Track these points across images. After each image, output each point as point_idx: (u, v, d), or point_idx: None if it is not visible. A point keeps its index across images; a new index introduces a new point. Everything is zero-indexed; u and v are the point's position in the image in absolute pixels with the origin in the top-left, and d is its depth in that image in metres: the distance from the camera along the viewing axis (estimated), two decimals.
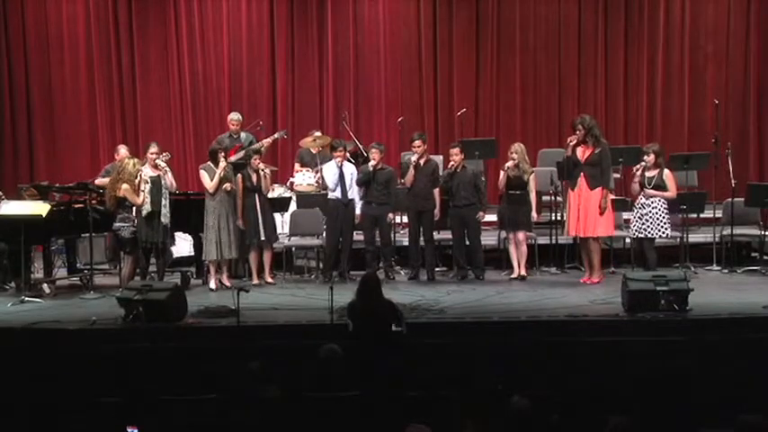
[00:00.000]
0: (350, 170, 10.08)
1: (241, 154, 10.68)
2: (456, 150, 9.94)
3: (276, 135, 11.42)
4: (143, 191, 9.12)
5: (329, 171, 10.04)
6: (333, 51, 13.02)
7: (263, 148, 10.51)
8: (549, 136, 12.81)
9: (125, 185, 9.13)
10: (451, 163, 9.93)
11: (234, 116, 11.16)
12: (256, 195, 9.71)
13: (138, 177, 9.15)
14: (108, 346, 7.64)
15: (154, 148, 9.43)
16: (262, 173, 9.70)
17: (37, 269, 9.87)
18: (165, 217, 9.25)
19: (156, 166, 9.33)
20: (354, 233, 10.21)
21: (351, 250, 10.06)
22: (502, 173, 9.82)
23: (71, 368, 7.13)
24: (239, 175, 9.74)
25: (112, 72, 13.14)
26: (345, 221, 9.89)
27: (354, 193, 10.01)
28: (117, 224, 9.25)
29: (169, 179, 9.40)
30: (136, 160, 9.41)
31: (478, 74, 13.04)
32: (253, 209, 9.69)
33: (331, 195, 9.99)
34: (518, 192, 9.71)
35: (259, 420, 5.44)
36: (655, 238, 9.27)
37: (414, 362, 6.80)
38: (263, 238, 9.67)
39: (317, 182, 10.54)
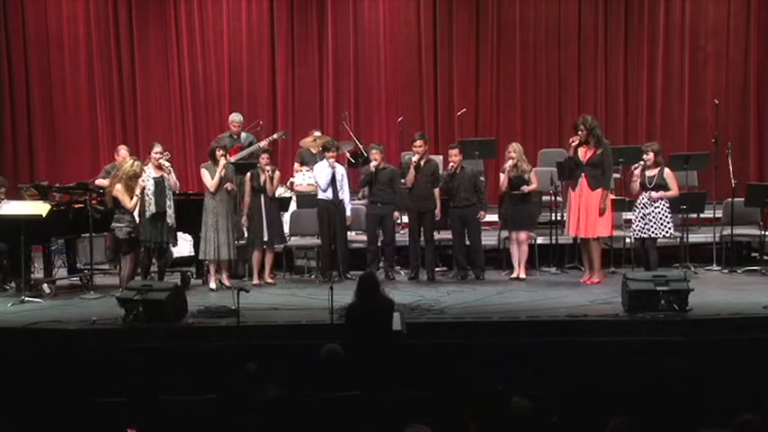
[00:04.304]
0: (340, 171, 10.07)
1: (243, 154, 10.70)
2: (455, 151, 9.94)
3: (275, 135, 11.42)
4: (137, 195, 9.09)
5: (321, 171, 10.03)
6: (333, 51, 13.02)
7: (271, 151, 10.46)
8: (549, 136, 12.82)
9: (118, 185, 9.10)
10: (451, 164, 9.93)
11: (235, 118, 11.16)
12: (261, 196, 9.70)
13: (136, 180, 9.09)
14: (108, 346, 7.64)
15: (158, 148, 9.41)
16: (268, 174, 9.67)
17: (37, 269, 9.86)
18: (171, 218, 9.24)
19: (159, 167, 9.31)
20: (354, 233, 10.23)
21: (352, 250, 10.07)
22: (502, 175, 9.80)
23: (71, 368, 7.13)
24: (248, 174, 9.73)
25: (112, 72, 13.16)
26: (337, 222, 9.88)
27: (345, 193, 10.00)
28: (113, 224, 9.24)
29: (172, 179, 9.39)
30: (137, 162, 9.36)
31: (478, 74, 13.04)
32: (258, 209, 9.68)
33: (321, 195, 9.98)
34: (520, 192, 9.71)
35: (259, 420, 5.43)
36: (658, 237, 9.26)
37: (414, 362, 6.80)
38: (265, 239, 9.66)
39: (316, 182, 10.53)
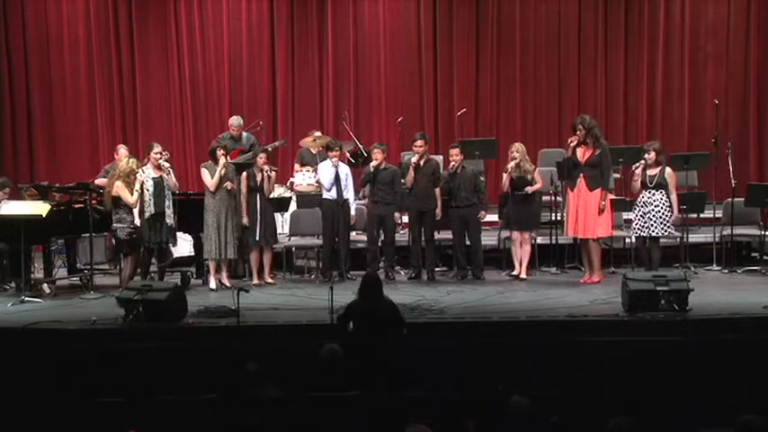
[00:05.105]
0: (345, 170, 10.08)
1: (245, 157, 10.71)
2: (456, 151, 9.93)
3: (277, 143, 11.59)
4: (137, 190, 9.11)
5: (325, 171, 10.04)
6: (333, 51, 13.02)
7: (269, 151, 10.48)
8: (549, 136, 12.81)
9: (118, 182, 9.12)
10: (452, 163, 9.92)
11: (234, 121, 11.17)
12: (258, 195, 9.70)
13: (133, 177, 9.12)
14: (108, 346, 7.63)
15: (157, 149, 9.40)
16: (266, 174, 9.69)
17: (37, 269, 9.85)
18: (170, 218, 9.25)
19: (158, 167, 9.32)
20: (354, 233, 10.22)
21: (351, 250, 10.07)
22: (505, 175, 9.79)
23: (71, 368, 7.13)
24: (244, 173, 9.73)
25: (112, 72, 13.15)
26: (341, 221, 9.89)
27: (350, 193, 10.01)
28: (114, 225, 9.25)
29: (172, 180, 9.39)
30: (133, 159, 9.39)
31: (478, 73, 13.04)
32: (253, 208, 9.69)
33: (326, 195, 9.98)
34: (524, 192, 9.71)
35: (259, 420, 5.44)
36: (659, 236, 9.25)
37: (414, 362, 6.80)
38: (257, 239, 9.66)
39: (317, 182, 10.54)
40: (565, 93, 13.00)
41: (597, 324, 7.84)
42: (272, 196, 10.12)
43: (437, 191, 9.88)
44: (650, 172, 9.28)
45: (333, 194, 9.92)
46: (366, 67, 13.07)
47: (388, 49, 13.03)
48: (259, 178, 9.69)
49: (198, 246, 9.98)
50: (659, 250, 9.31)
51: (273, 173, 9.85)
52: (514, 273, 9.79)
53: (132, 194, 9.11)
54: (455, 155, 9.88)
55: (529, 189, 9.69)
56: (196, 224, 9.73)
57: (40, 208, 9.37)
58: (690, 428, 5.32)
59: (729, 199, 10.30)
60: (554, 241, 10.28)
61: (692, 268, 9.95)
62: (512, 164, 9.73)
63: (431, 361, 6.88)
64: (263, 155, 9.89)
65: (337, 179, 9.91)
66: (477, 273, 9.82)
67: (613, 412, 4.86)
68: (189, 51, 13.12)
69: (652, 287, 7.95)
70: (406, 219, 10.39)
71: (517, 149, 9.81)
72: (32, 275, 9.57)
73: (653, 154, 9.29)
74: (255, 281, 9.70)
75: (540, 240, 10.21)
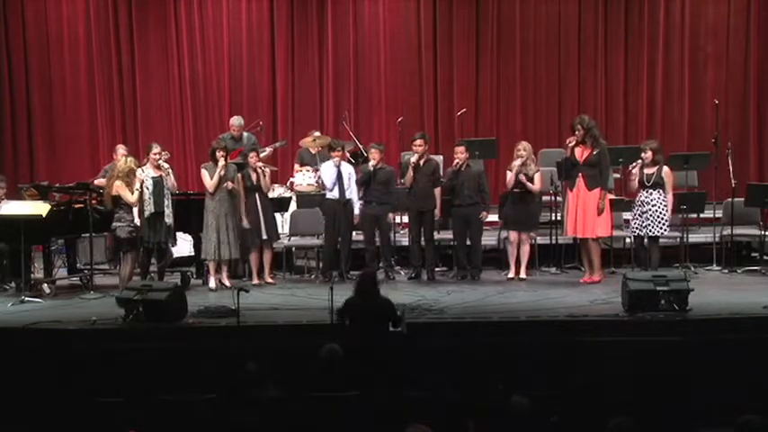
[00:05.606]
0: (348, 170, 10.08)
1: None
2: (461, 149, 9.87)
3: (277, 144, 11.62)
4: (137, 189, 9.12)
5: (327, 171, 10.04)
6: (333, 51, 13.03)
7: (263, 155, 10.50)
8: (549, 136, 12.80)
9: (117, 182, 9.12)
10: (456, 161, 9.88)
11: (235, 122, 11.18)
12: (257, 194, 9.71)
13: (133, 176, 9.12)
14: (108, 346, 7.64)
15: (156, 149, 9.40)
16: (261, 171, 9.70)
17: (37, 269, 9.85)
18: (169, 217, 9.25)
19: (158, 167, 9.32)
20: (354, 233, 10.23)
21: (351, 250, 10.07)
22: (509, 174, 9.78)
23: (71, 368, 7.14)
24: (239, 174, 9.74)
25: (112, 72, 13.15)
26: (343, 221, 9.88)
27: (353, 193, 10.01)
28: (114, 224, 9.25)
29: (171, 180, 9.40)
30: (131, 158, 9.39)
31: (478, 73, 13.05)
32: (254, 208, 9.69)
33: (329, 195, 9.98)
34: (523, 191, 9.70)
35: (259, 420, 5.44)
36: (657, 236, 9.25)
37: (413, 362, 6.81)
38: (264, 238, 9.67)
39: (316, 182, 10.54)
40: (565, 93, 13.01)
41: (597, 324, 7.84)
42: (271, 196, 10.15)
43: (437, 191, 9.87)
44: (647, 171, 9.28)
45: (335, 194, 9.92)
46: (366, 67, 13.08)
47: (388, 49, 13.03)
48: (254, 177, 9.69)
49: (198, 246, 9.98)
50: (659, 250, 9.31)
51: (268, 169, 9.86)
52: (510, 275, 9.77)
53: (132, 193, 9.12)
54: (460, 152, 9.83)
55: (523, 178, 9.62)
56: (196, 224, 9.73)
57: (40, 208, 9.37)
58: (690, 428, 5.32)
59: (729, 199, 10.30)
60: (554, 241, 10.28)
61: (692, 268, 9.96)
62: (518, 161, 9.71)
63: (431, 361, 6.89)
64: (252, 153, 9.89)
65: (339, 179, 9.91)
66: (475, 273, 9.80)
67: (613, 412, 4.86)
68: (189, 51, 13.12)
69: (652, 287, 7.95)
70: (405, 219, 10.38)
71: (524, 148, 9.79)
72: (32, 275, 9.58)
73: (649, 153, 9.29)
74: (255, 281, 9.70)
75: (539, 240, 10.20)
